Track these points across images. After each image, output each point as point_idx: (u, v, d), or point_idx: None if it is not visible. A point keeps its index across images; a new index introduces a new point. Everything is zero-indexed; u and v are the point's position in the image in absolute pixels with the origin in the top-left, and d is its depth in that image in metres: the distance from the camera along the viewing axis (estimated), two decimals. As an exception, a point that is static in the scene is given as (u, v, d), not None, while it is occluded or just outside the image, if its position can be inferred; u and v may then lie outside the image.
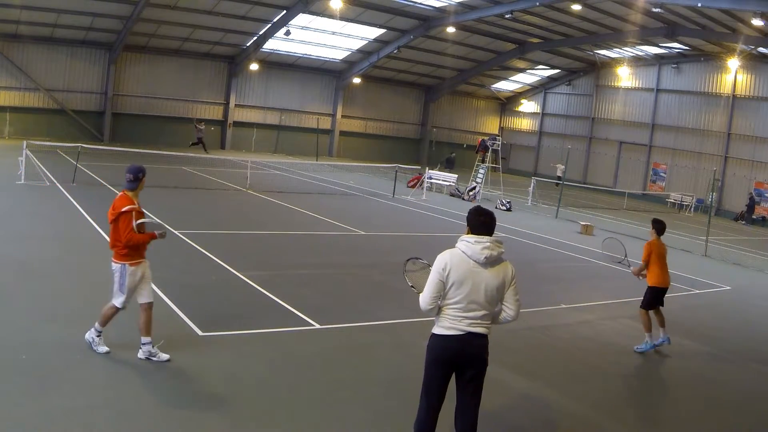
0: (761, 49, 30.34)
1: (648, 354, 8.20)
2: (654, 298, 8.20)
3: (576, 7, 27.12)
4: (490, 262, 4.34)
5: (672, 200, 34.26)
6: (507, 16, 28.98)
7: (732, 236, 24.31)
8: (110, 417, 5.02)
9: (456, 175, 27.99)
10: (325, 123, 40.50)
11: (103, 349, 6.18)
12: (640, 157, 38.28)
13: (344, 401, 5.87)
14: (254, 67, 36.57)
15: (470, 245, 4.35)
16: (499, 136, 34.40)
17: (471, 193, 25.30)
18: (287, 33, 32.52)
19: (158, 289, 7.95)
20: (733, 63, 32.41)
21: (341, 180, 26.64)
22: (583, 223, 19.77)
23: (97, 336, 6.20)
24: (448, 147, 44.29)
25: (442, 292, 4.33)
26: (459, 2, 29.97)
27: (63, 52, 31.36)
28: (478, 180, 26.29)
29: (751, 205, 31.35)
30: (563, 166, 38.42)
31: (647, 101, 37.83)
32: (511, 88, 46.35)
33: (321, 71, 39.76)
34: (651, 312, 8.24)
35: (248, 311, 8.19)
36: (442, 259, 4.35)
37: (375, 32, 34.47)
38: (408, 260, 4.96)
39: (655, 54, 36.40)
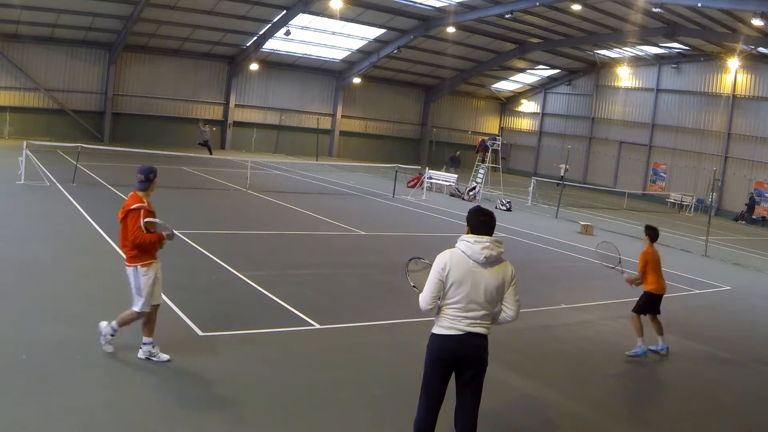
0: (761, 49, 30.32)
1: (648, 354, 8.19)
2: (648, 304, 8.10)
3: (576, 7, 27.11)
4: (490, 262, 4.34)
5: (672, 200, 34.25)
6: (507, 16, 28.97)
7: (732, 236, 24.31)
8: (110, 417, 5.02)
9: (456, 175, 27.99)
10: (325, 123, 40.49)
11: (110, 348, 6.15)
12: (640, 157, 38.27)
13: (344, 401, 5.87)
14: (254, 67, 36.56)
15: (470, 245, 4.35)
16: (499, 136, 34.39)
17: (471, 193, 25.30)
18: (287, 33, 32.51)
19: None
20: (733, 63, 32.39)
21: (341, 180, 26.64)
22: (583, 223, 19.77)
23: (111, 335, 6.16)
24: (448, 147, 44.28)
25: (441, 292, 4.33)
26: (459, 2, 29.96)
27: (63, 52, 31.35)
28: (478, 180, 26.29)
29: (751, 205, 31.34)
30: (564, 166, 38.51)
31: (647, 101, 37.83)
32: (511, 88, 46.34)
33: (321, 71, 39.76)
34: (647, 319, 8.15)
35: (248, 311, 8.19)
36: (442, 259, 4.35)
37: (375, 32, 34.46)
38: (410, 260, 4.96)
39: (655, 54, 36.39)
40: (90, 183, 17.69)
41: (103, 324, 6.19)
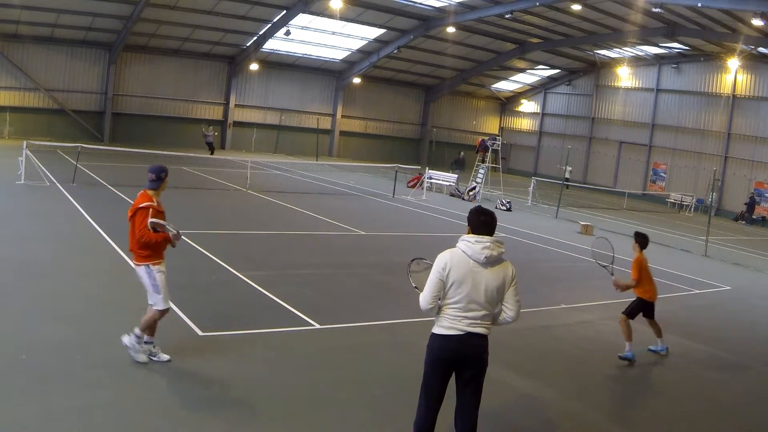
0: (761, 49, 30.32)
1: (647, 354, 8.19)
2: (639, 310, 7.99)
3: (576, 7, 27.11)
4: (491, 262, 4.34)
5: (672, 200, 34.25)
6: (507, 16, 28.98)
7: (732, 236, 24.31)
8: (110, 417, 5.02)
9: (456, 175, 27.98)
10: (325, 123, 40.50)
11: (143, 357, 6.04)
12: (640, 157, 38.27)
13: (344, 401, 5.87)
14: (254, 67, 36.57)
15: (471, 245, 4.35)
16: (499, 136, 34.39)
17: (471, 193, 25.30)
18: (287, 33, 32.52)
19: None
20: (733, 63, 32.39)
21: (341, 180, 26.64)
22: (583, 223, 19.77)
23: (139, 340, 6.04)
24: (448, 147, 44.29)
25: (442, 292, 4.32)
26: (459, 2, 29.96)
27: (63, 52, 31.36)
28: (478, 180, 26.29)
29: (751, 205, 31.31)
30: (570, 167, 38.58)
31: (647, 101, 37.83)
32: (511, 88, 46.34)
33: (321, 71, 39.76)
34: (645, 323, 8.08)
35: (248, 311, 8.19)
36: (443, 259, 4.35)
37: (375, 32, 34.47)
38: (412, 261, 4.96)
39: (655, 54, 36.39)
40: (90, 183, 17.69)
41: (125, 338, 6.07)
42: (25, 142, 17.45)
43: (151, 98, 34.50)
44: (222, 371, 6.15)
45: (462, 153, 39.63)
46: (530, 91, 46.01)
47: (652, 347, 8.18)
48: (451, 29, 32.54)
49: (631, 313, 7.96)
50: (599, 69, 40.35)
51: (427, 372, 4.43)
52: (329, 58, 38.23)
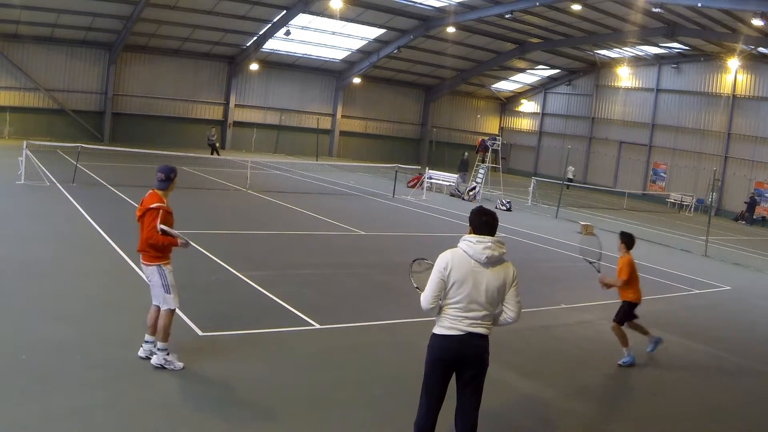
0: (761, 49, 30.33)
1: (647, 354, 8.19)
2: (629, 313, 7.88)
3: (576, 7, 27.12)
4: (492, 262, 4.34)
5: (672, 200, 34.26)
6: (507, 16, 28.98)
7: (732, 236, 24.31)
8: (110, 417, 5.02)
9: (457, 175, 27.98)
10: (325, 123, 40.50)
11: (180, 364, 5.98)
12: (640, 157, 38.28)
13: (344, 401, 5.87)
14: (254, 67, 36.57)
15: (472, 245, 4.35)
16: (499, 136, 34.39)
17: (471, 193, 25.30)
18: (287, 33, 32.52)
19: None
20: (733, 63, 32.40)
21: (341, 180, 26.64)
22: (583, 223, 19.76)
23: (166, 353, 5.97)
24: (448, 147, 44.29)
25: (443, 292, 4.32)
26: (459, 2, 29.97)
27: (63, 52, 31.36)
28: (478, 180, 26.29)
29: (752, 204, 31.29)
30: (573, 168, 38.60)
31: (647, 101, 37.83)
32: (511, 88, 46.35)
33: (321, 71, 39.77)
34: (629, 326, 7.93)
35: (248, 311, 8.19)
36: (444, 259, 4.36)
37: (375, 32, 34.47)
38: (414, 261, 4.96)
39: (655, 54, 36.39)
40: (90, 183, 17.68)
41: (154, 358, 5.98)
42: (25, 142, 17.45)
43: (151, 98, 34.50)
44: (222, 371, 6.15)
45: (466, 154, 39.61)
46: (530, 91, 46.01)
47: (650, 349, 8.09)
48: (451, 29, 32.54)
49: (621, 320, 7.80)
50: (599, 69, 40.35)
51: (428, 372, 4.42)
52: (329, 58, 38.24)
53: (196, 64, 35.71)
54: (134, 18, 28.39)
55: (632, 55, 37.38)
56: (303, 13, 30.39)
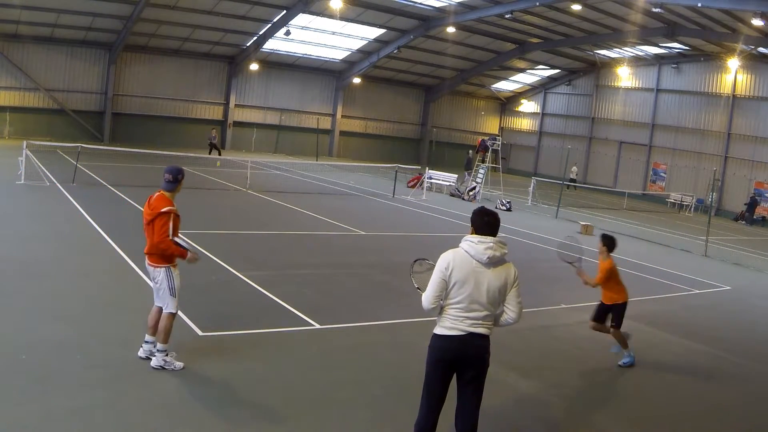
0: (761, 49, 30.33)
1: (648, 354, 8.19)
2: (603, 312, 7.76)
3: (576, 7, 27.12)
4: (493, 262, 4.35)
5: (672, 200, 34.26)
6: (507, 16, 28.98)
7: (732, 236, 24.31)
8: (110, 417, 5.02)
9: (456, 175, 28.00)
10: (325, 123, 40.51)
11: (179, 364, 5.99)
12: (640, 157, 38.28)
13: (344, 401, 5.87)
14: (254, 67, 36.58)
15: (473, 245, 4.35)
16: (499, 136, 34.40)
17: (471, 193, 25.30)
18: (287, 33, 32.52)
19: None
20: (733, 63, 32.40)
21: (341, 180, 26.64)
22: (583, 223, 19.77)
23: (165, 355, 5.97)
24: (448, 147, 44.29)
25: (444, 292, 4.33)
26: (459, 2, 29.97)
27: (63, 52, 31.36)
28: (478, 180, 26.30)
29: (752, 204, 31.27)
30: (576, 168, 38.57)
31: (647, 101, 37.83)
32: (511, 88, 46.35)
33: (321, 71, 39.77)
34: (600, 328, 7.80)
35: (248, 311, 8.18)
36: (445, 259, 4.36)
37: (375, 32, 34.47)
38: (415, 261, 4.96)
39: (655, 54, 36.40)
40: (90, 183, 17.68)
41: (153, 360, 5.97)
42: (25, 142, 17.45)
43: (151, 98, 34.50)
44: (222, 371, 6.15)
45: (471, 152, 39.59)
46: (530, 91, 46.01)
47: (614, 349, 7.89)
48: (451, 29, 32.55)
49: (620, 322, 7.69)
50: (599, 69, 40.36)
51: (429, 372, 4.43)
52: (329, 58, 38.24)
53: (196, 64, 35.71)
54: (134, 18, 28.39)
55: (632, 55, 37.38)
56: (303, 13, 30.40)
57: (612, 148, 39.93)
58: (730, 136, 33.79)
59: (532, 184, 27.21)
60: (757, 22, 23.71)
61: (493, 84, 45.16)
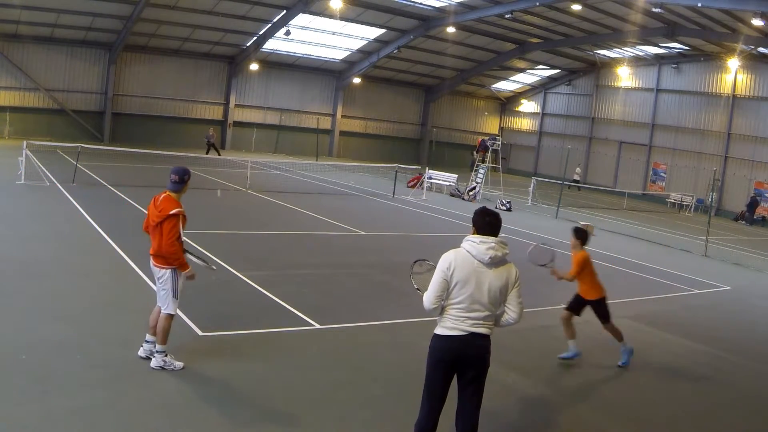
0: (761, 49, 30.33)
1: (648, 354, 8.19)
2: (579, 305, 7.66)
3: (576, 7, 27.12)
4: (495, 262, 4.35)
5: (672, 200, 34.27)
6: (507, 16, 28.99)
7: (732, 236, 24.31)
8: (110, 417, 5.02)
9: (456, 175, 28.01)
10: (325, 123, 40.51)
11: (179, 364, 5.98)
12: (640, 157, 38.29)
13: (344, 401, 5.87)
14: (254, 67, 36.58)
15: (475, 245, 4.35)
16: (499, 136, 34.40)
17: (471, 193, 25.30)
18: (287, 33, 32.53)
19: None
20: (733, 63, 32.41)
21: (341, 180, 26.64)
22: (583, 223, 19.67)
23: (165, 355, 5.95)
24: (448, 147, 44.27)
25: (445, 292, 4.33)
26: (459, 2, 29.97)
27: (63, 52, 31.36)
28: (478, 180, 26.30)
29: (752, 204, 31.25)
30: (579, 169, 38.54)
31: (647, 101, 37.84)
32: (511, 88, 46.35)
33: (321, 71, 39.77)
34: (569, 320, 7.64)
35: (248, 311, 8.18)
36: (447, 259, 4.36)
37: (375, 32, 34.47)
38: (415, 262, 4.95)
39: (655, 54, 36.40)
40: (90, 183, 17.68)
41: (153, 361, 5.96)
42: (25, 142, 17.45)
43: (151, 98, 34.50)
44: (222, 371, 6.15)
45: (476, 153, 39.56)
46: (530, 91, 46.02)
47: (561, 355, 7.61)
48: (451, 29, 32.55)
49: (606, 317, 7.60)
50: (599, 69, 40.36)
51: (429, 373, 4.43)
52: (329, 58, 38.24)
53: (196, 64, 35.71)
54: (134, 18, 28.39)
55: (632, 55, 37.38)
56: (303, 13, 30.40)
57: (612, 148, 39.93)
58: (730, 136, 33.80)
59: (532, 184, 27.21)
60: (757, 22, 23.71)
61: (493, 84, 45.16)
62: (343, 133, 41.67)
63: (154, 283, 6.20)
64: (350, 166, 34.05)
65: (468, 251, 4.36)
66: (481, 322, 4.35)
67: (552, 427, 5.93)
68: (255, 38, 33.85)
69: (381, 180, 28.09)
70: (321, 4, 29.19)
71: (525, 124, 46.87)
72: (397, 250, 13.40)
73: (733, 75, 33.31)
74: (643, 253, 16.47)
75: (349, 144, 42.15)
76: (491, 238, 4.39)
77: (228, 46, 34.94)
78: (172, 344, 6.27)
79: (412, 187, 25.96)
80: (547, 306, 10.06)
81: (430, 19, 32.60)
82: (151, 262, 6.03)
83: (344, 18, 31.25)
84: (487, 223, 4.44)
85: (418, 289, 4.77)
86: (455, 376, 4.43)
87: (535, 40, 35.64)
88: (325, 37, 34.96)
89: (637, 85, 38.71)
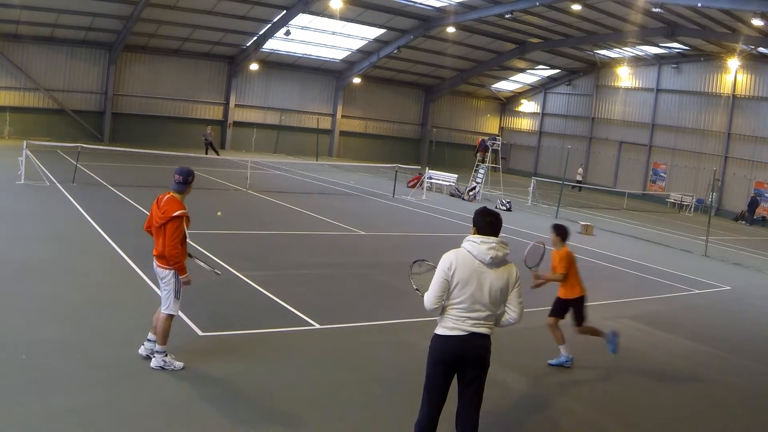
0: (761, 49, 30.33)
1: (648, 354, 8.18)
2: (563, 308, 7.43)
3: (576, 7, 27.12)
4: (496, 262, 4.35)
5: (672, 200, 34.27)
6: (507, 16, 28.98)
7: (732, 236, 24.31)
8: (110, 417, 5.02)
9: (456, 175, 28.01)
10: (325, 123, 40.51)
11: (179, 364, 5.98)
12: (640, 157, 38.28)
13: (344, 401, 5.87)
14: (254, 67, 36.57)
15: (476, 245, 4.36)
16: (499, 136, 34.40)
17: (471, 193, 25.30)
18: (287, 33, 32.52)
19: (158, 289, 7.94)
20: (733, 63, 32.41)
21: (341, 180, 26.64)
22: (583, 223, 19.77)
23: (165, 356, 5.95)
24: (448, 147, 44.26)
25: (447, 292, 4.33)
26: (459, 2, 29.97)
27: (63, 52, 31.36)
28: (478, 180, 26.30)
29: (753, 204, 31.23)
30: (582, 170, 38.54)
31: (647, 101, 37.84)
32: (511, 88, 46.35)
33: (321, 71, 39.77)
34: (556, 325, 7.41)
35: (248, 311, 8.18)
36: (448, 259, 4.36)
37: (375, 32, 34.47)
38: (414, 262, 4.95)
39: (655, 54, 36.40)
40: (90, 183, 17.68)
41: (153, 361, 5.96)
42: (25, 142, 17.45)
43: (151, 98, 34.50)
44: (222, 371, 6.15)
45: None
46: (530, 91, 46.01)
47: (552, 361, 7.43)
48: (451, 29, 32.55)
49: (583, 317, 7.41)
50: (599, 69, 40.36)
51: (430, 373, 4.42)
52: (329, 58, 38.24)
53: (196, 64, 35.70)
54: (134, 18, 28.38)
55: (632, 55, 37.38)
56: (303, 13, 30.39)
57: (612, 148, 39.93)
58: (730, 136, 33.79)
59: (532, 184, 27.22)
60: (757, 22, 23.72)
61: (493, 84, 45.16)
62: (343, 133, 41.67)
63: (157, 284, 6.20)
64: (350, 166, 34.05)
65: (469, 251, 4.36)
66: (481, 322, 4.35)
67: (552, 427, 5.93)
68: (255, 38, 33.85)
69: (381, 180, 28.09)
70: (321, 4, 29.19)
71: (525, 124, 46.86)
72: (397, 250, 13.40)
73: (733, 75, 33.31)
74: (643, 253, 16.48)
75: (349, 144, 42.15)
76: (492, 238, 4.39)
77: (228, 46, 34.94)
78: (173, 344, 6.27)
79: (412, 187, 25.96)
80: (547, 306, 10.02)
81: (430, 19, 32.60)
82: (155, 262, 6.02)
83: (344, 18, 31.24)
84: (488, 223, 4.45)
85: (417, 289, 4.76)
86: (455, 376, 4.43)
87: (535, 40, 35.64)
88: (325, 37, 34.96)
89: (637, 85, 38.71)
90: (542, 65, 41.23)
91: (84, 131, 31.55)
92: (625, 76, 38.83)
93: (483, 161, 27.55)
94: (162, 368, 5.92)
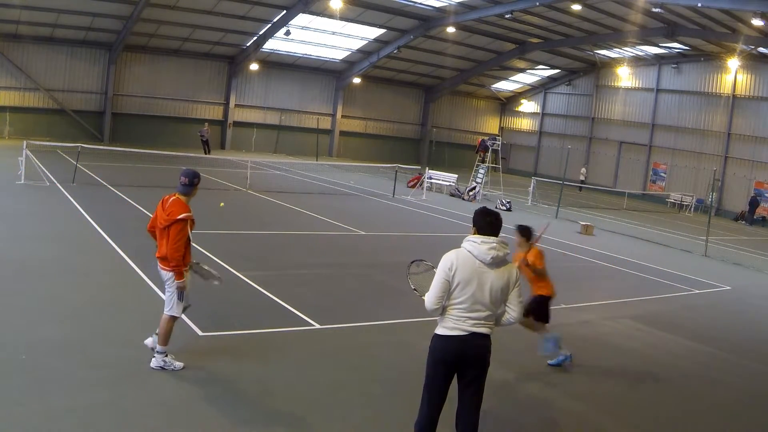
0: (761, 49, 30.32)
1: (648, 354, 8.18)
2: (546, 308, 7.36)
3: (576, 7, 27.11)
4: (496, 262, 4.36)
5: (672, 200, 34.27)
6: (507, 16, 28.98)
7: (732, 236, 24.31)
8: (110, 417, 5.02)
9: (456, 175, 28.02)
10: (325, 123, 40.50)
11: (179, 364, 5.98)
12: (640, 157, 38.28)
13: (344, 401, 5.87)
14: (254, 67, 36.57)
15: (476, 245, 4.36)
16: (499, 136, 34.39)
17: (471, 193, 25.30)
18: (287, 33, 32.52)
19: (158, 289, 7.95)
20: (733, 63, 32.40)
21: (341, 180, 26.64)
22: (583, 223, 19.77)
23: (165, 356, 5.95)
24: (448, 147, 44.27)
25: (447, 292, 4.33)
26: (459, 2, 29.96)
27: (63, 52, 31.35)
28: (478, 180, 26.30)
29: (753, 204, 31.22)
30: (585, 170, 38.54)
31: (647, 101, 37.83)
32: (511, 88, 46.34)
33: (321, 71, 39.76)
34: (534, 323, 7.30)
35: (248, 311, 8.19)
36: (448, 259, 4.36)
37: (375, 32, 34.46)
38: (412, 263, 4.94)
39: (655, 54, 36.39)
40: (90, 183, 17.68)
41: (153, 361, 5.95)
42: (25, 142, 17.45)
43: (151, 98, 34.49)
44: (222, 371, 6.15)
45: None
46: (530, 91, 46.01)
47: (551, 361, 7.38)
48: (451, 29, 32.54)
49: (548, 316, 7.35)
50: (599, 69, 40.35)
51: (429, 373, 4.43)
52: (329, 58, 38.23)
53: (196, 64, 35.69)
54: (134, 18, 28.38)
55: (632, 55, 37.38)
56: (303, 13, 30.38)
57: (612, 148, 39.93)
58: (730, 136, 33.79)
59: (532, 184, 27.22)
60: (757, 22, 23.71)
61: (493, 84, 45.15)
62: (343, 133, 41.66)
63: (159, 286, 6.19)
64: (350, 166, 34.05)
65: (469, 251, 4.36)
66: (482, 322, 4.35)
67: (552, 427, 5.93)
68: (255, 38, 33.84)
69: (381, 180, 28.09)
70: (321, 4, 29.18)
71: (525, 124, 46.86)
72: (397, 250, 13.40)
73: (733, 75, 33.30)
74: (643, 253, 16.48)
75: (349, 144, 42.14)
76: (492, 238, 4.40)
77: (228, 46, 34.93)
78: (173, 344, 6.27)
79: (412, 187, 25.96)
80: (547, 306, 10.04)
81: (430, 19, 32.59)
82: (159, 264, 6.02)
83: (344, 18, 31.23)
84: (488, 223, 4.45)
85: (415, 289, 4.76)
86: (455, 376, 4.43)
87: (535, 40, 35.63)
88: (325, 37, 34.95)
89: (637, 85, 38.71)
90: (542, 65, 41.23)
91: (84, 131, 31.54)
92: (625, 76, 38.83)
93: (483, 161, 27.54)
94: (162, 368, 5.92)
